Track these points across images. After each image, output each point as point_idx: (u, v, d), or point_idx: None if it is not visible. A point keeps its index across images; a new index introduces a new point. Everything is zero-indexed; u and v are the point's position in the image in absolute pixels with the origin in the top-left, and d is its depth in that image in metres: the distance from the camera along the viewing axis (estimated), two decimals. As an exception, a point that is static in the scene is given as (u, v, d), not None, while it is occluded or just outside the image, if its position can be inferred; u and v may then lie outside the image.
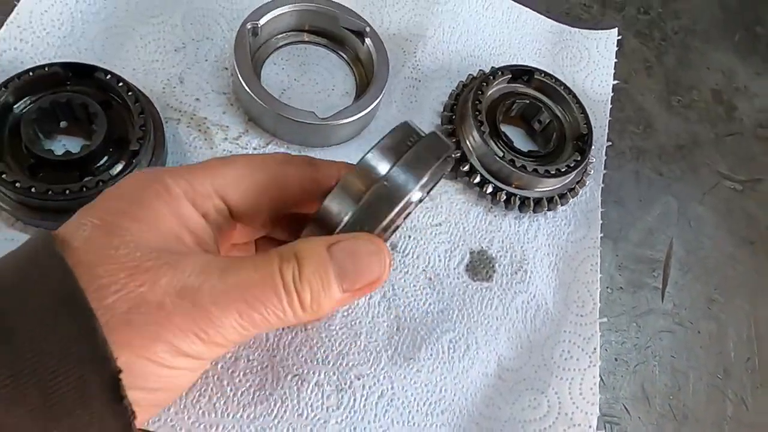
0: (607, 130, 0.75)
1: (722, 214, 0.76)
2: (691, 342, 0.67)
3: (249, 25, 0.64)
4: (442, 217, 0.66)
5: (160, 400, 0.39)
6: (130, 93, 0.57)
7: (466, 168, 0.65)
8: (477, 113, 0.65)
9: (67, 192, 0.51)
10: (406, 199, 0.35)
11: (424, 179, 0.36)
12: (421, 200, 0.38)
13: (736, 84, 0.88)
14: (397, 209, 0.35)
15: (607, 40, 0.81)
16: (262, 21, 0.65)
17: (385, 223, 0.36)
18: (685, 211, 0.75)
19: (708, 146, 0.81)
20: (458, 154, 0.66)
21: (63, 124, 0.58)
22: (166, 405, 0.47)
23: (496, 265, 0.65)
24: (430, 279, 0.62)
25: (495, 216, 0.67)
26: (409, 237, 0.63)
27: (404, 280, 0.61)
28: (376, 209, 0.35)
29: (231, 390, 0.52)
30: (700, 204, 0.76)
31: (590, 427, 0.57)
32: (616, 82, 0.78)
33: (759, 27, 0.95)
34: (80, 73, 0.57)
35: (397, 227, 0.39)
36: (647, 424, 0.61)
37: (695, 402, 0.64)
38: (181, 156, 0.61)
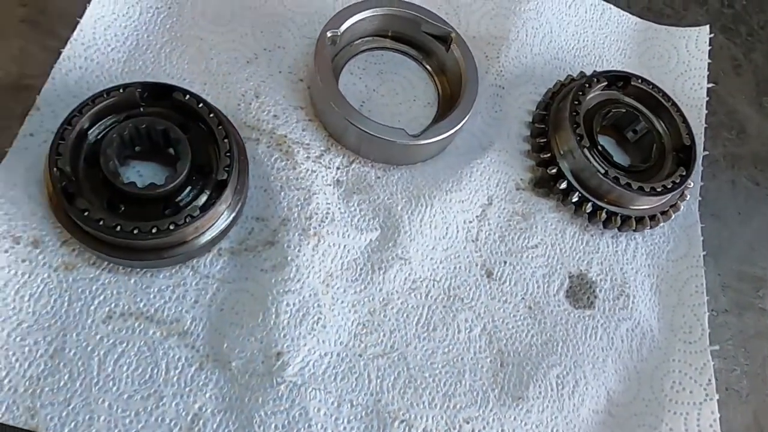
0: (703, 138, 0.70)
1: (824, 225, 0.71)
2: (801, 367, 0.63)
3: (329, 34, 0.59)
4: (537, 239, 0.61)
5: None
6: (212, 115, 0.52)
7: (563, 185, 0.61)
8: (576, 125, 0.60)
9: (155, 230, 0.46)
10: None
11: None
12: None
13: (825, 81, 0.82)
14: None
15: (698, 38, 0.75)
16: (343, 28, 0.60)
17: None
18: (786, 223, 0.70)
19: (804, 151, 0.75)
20: (554, 171, 0.61)
21: (137, 149, 0.53)
22: None
23: (597, 290, 0.60)
24: (530, 308, 0.58)
25: (591, 235, 0.63)
26: (505, 263, 0.59)
27: (503, 310, 0.57)
28: None
29: (336, 439, 0.49)
30: (800, 215, 0.71)
31: (714, 469, 0.54)
32: (710, 85, 0.73)
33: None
34: (157, 94, 0.52)
35: None
36: (764, 459, 0.57)
37: (809, 432, 0.60)
38: (264, 180, 0.56)
